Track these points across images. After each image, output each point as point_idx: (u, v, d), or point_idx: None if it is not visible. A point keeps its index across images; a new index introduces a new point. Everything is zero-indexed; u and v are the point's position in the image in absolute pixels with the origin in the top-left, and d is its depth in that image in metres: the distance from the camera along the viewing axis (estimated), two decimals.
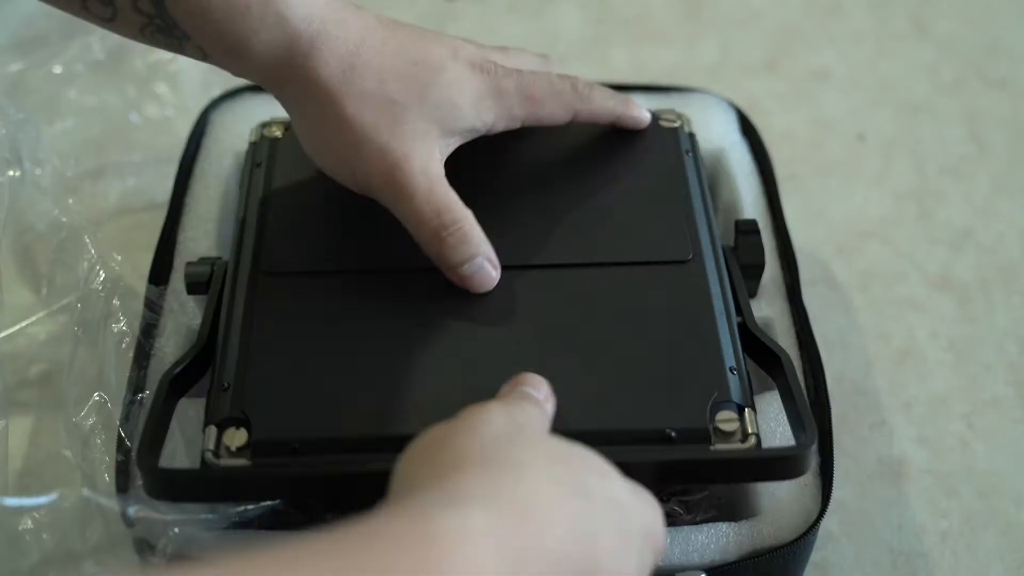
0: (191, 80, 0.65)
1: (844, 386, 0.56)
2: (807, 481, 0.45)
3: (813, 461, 0.44)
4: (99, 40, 0.66)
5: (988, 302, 0.60)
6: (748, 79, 0.73)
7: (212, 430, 0.42)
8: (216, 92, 0.61)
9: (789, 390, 0.43)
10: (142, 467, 0.41)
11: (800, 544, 0.43)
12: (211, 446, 0.41)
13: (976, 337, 0.58)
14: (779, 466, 0.41)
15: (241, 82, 0.59)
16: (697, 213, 0.49)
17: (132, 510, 0.40)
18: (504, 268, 0.46)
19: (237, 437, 0.41)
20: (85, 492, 0.41)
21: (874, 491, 0.52)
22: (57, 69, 0.65)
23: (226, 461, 0.41)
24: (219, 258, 0.50)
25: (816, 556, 0.49)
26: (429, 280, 0.47)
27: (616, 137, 0.52)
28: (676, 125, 0.53)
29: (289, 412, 0.43)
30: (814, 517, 0.44)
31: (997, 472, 0.53)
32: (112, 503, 0.41)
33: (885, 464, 0.53)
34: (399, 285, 0.47)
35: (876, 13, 0.78)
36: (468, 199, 0.46)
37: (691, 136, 0.53)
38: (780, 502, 0.44)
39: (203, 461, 0.41)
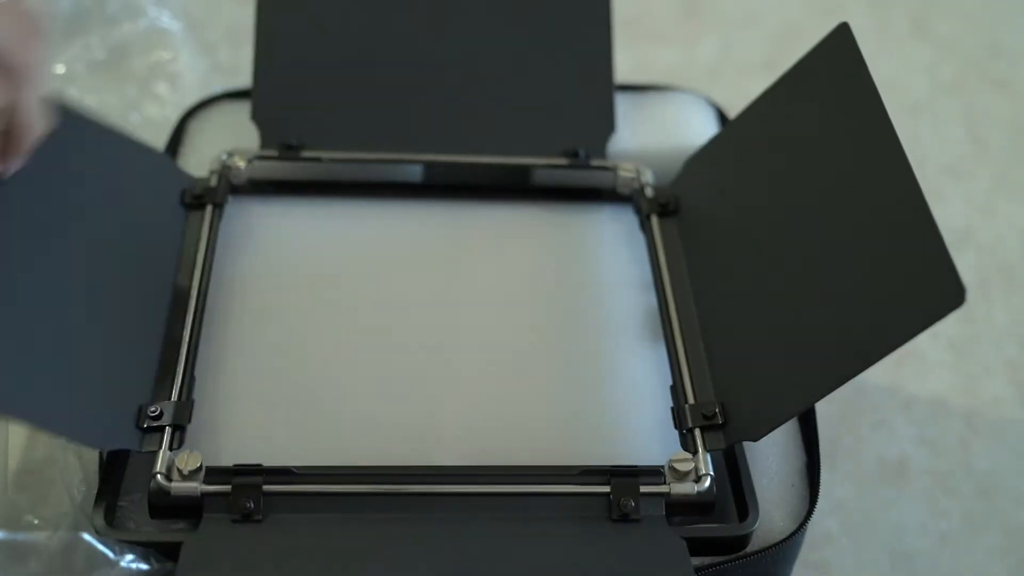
0: (191, 80, 0.65)
1: (844, 386, 0.56)
2: (795, 482, 0.45)
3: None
4: (100, 40, 0.66)
5: (988, 302, 0.60)
6: (748, 79, 0.73)
7: (164, 453, 0.41)
8: (216, 92, 0.61)
9: (737, 471, 0.44)
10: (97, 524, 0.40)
11: (787, 545, 0.43)
12: (163, 469, 0.41)
13: (976, 337, 0.58)
14: (720, 544, 0.42)
15: (224, 87, 0.59)
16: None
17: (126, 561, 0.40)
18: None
19: (190, 461, 0.41)
20: (85, 536, 0.40)
21: (874, 491, 0.52)
22: (58, 69, 0.65)
23: (178, 484, 0.40)
24: None
25: (816, 556, 0.49)
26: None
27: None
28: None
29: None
30: (802, 518, 0.44)
31: (997, 472, 0.53)
32: (104, 549, 0.40)
33: (885, 464, 0.53)
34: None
35: (876, 13, 0.78)
36: None
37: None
38: (767, 503, 0.44)
39: (153, 483, 0.41)
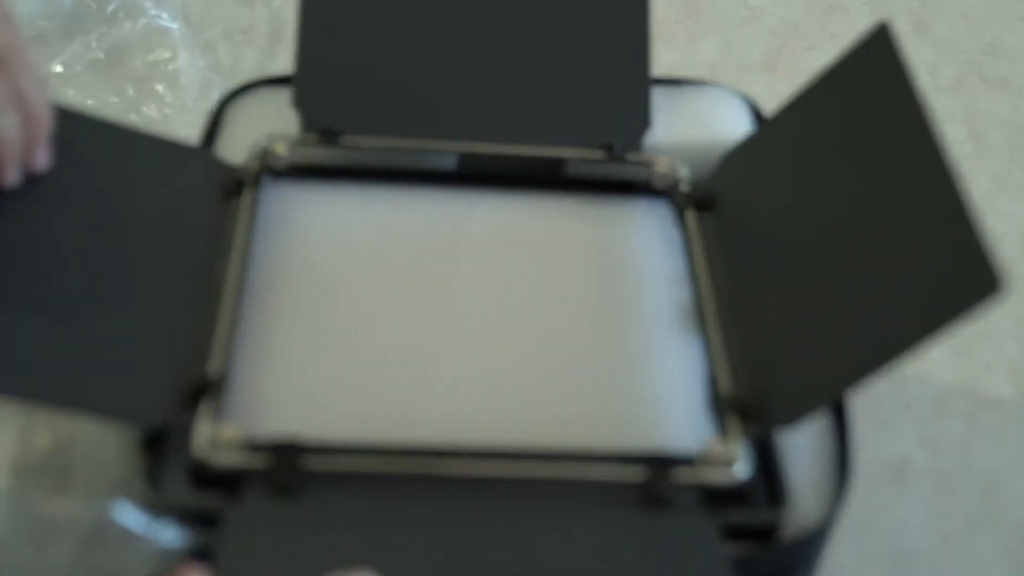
0: (190, 80, 0.65)
1: None
2: (826, 470, 0.45)
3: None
4: (99, 40, 0.66)
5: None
6: (749, 78, 0.72)
7: (205, 424, 0.42)
8: (215, 91, 0.61)
9: (770, 459, 0.44)
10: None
11: (819, 532, 0.43)
12: (203, 440, 0.41)
13: (977, 337, 0.58)
14: (753, 530, 0.43)
15: (259, 74, 0.59)
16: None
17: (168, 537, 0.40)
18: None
19: (231, 433, 0.41)
20: (118, 512, 0.41)
21: (874, 491, 0.52)
22: (57, 69, 0.65)
23: (218, 456, 0.41)
24: None
25: None
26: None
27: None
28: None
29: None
30: (833, 506, 0.44)
31: (997, 472, 0.53)
32: (138, 524, 0.40)
33: (885, 464, 0.53)
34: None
35: (876, 12, 0.78)
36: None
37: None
38: (799, 491, 0.44)
39: (194, 454, 0.41)
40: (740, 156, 0.54)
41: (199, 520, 0.41)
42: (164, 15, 0.67)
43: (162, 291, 0.46)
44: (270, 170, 0.52)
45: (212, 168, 0.52)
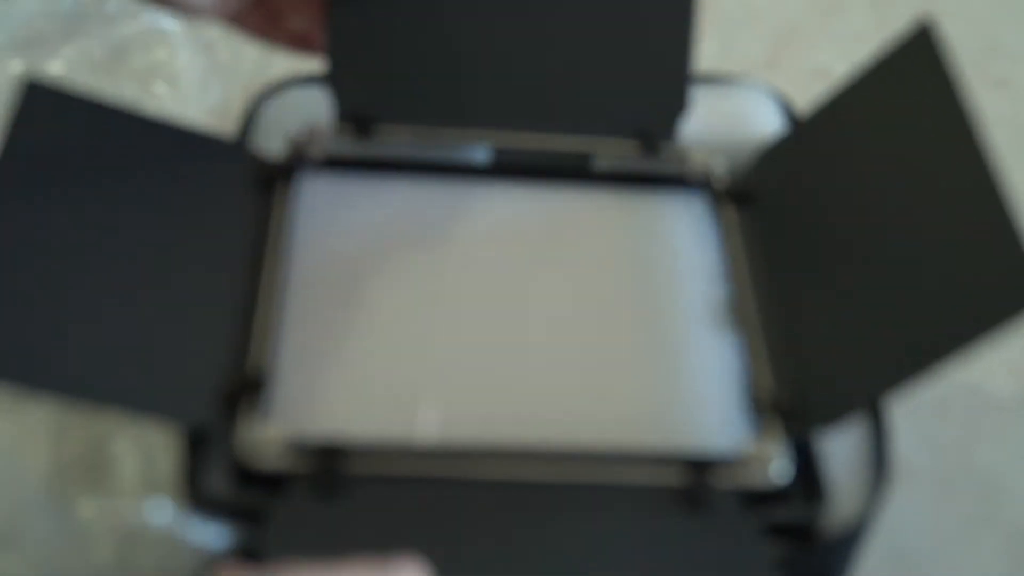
0: (190, 80, 0.65)
1: None
2: (863, 469, 0.45)
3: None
4: (99, 40, 0.66)
5: None
6: None
7: (246, 424, 0.42)
8: (215, 92, 0.61)
9: (810, 458, 0.45)
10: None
11: (859, 530, 0.43)
12: (244, 440, 0.41)
13: None
14: (793, 530, 0.43)
15: (259, 74, 0.59)
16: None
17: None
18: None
19: (272, 433, 0.41)
20: (154, 516, 0.41)
21: None
22: (57, 69, 0.65)
23: (259, 457, 0.41)
24: None
25: None
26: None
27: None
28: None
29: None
30: (871, 505, 0.44)
31: (997, 472, 0.53)
32: (174, 528, 0.41)
33: None
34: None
35: (876, 12, 0.78)
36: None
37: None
38: (837, 490, 0.44)
39: (234, 455, 0.41)
40: (777, 153, 0.54)
41: (241, 517, 0.41)
42: (163, 15, 0.67)
43: (199, 287, 0.46)
44: (305, 163, 0.52)
45: (247, 161, 0.52)
